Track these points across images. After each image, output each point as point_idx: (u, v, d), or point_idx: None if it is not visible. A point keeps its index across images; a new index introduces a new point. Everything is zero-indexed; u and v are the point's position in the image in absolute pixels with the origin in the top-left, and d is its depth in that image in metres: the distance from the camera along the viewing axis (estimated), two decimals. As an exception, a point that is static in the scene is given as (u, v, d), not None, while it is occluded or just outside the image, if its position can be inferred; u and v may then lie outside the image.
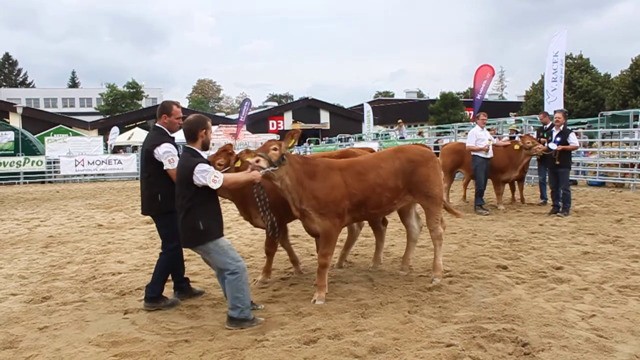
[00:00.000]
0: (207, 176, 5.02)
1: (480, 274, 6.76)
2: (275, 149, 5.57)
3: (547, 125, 13.00)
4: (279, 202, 5.99)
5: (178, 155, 5.74)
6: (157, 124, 6.01)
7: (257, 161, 5.39)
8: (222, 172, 5.31)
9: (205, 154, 5.42)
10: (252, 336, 4.88)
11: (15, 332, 5.25)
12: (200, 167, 5.04)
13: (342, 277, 6.86)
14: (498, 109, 46.40)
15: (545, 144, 11.70)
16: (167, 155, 5.64)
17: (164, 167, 5.66)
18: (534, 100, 47.00)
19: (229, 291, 5.22)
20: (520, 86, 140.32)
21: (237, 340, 4.81)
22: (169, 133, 5.92)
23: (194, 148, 5.30)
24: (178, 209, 5.24)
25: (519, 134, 17.89)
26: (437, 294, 6.00)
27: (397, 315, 5.32)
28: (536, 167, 14.46)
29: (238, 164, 6.05)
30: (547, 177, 13.07)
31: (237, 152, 6.26)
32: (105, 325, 5.38)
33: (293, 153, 6.20)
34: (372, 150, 7.66)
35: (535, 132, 14.48)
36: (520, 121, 22.57)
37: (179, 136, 5.55)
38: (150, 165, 5.75)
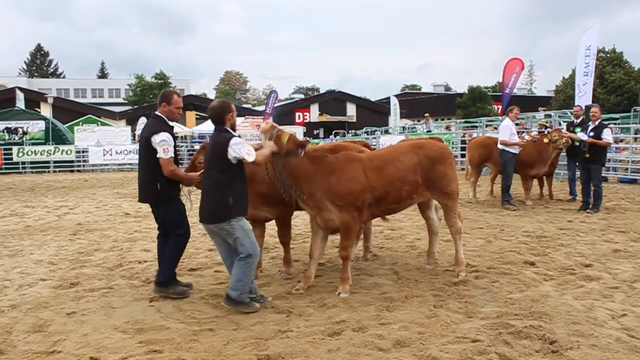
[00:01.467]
0: (242, 149, 5.17)
1: (507, 269, 6.66)
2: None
3: (578, 120, 12.76)
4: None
5: (175, 146, 5.82)
6: (156, 112, 6.03)
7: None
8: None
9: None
10: (276, 327, 4.89)
11: (45, 317, 5.35)
12: (235, 140, 5.22)
13: (367, 270, 6.83)
14: (527, 104, 45.56)
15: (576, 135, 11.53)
16: (163, 144, 5.67)
17: (157, 155, 5.69)
18: (563, 95, 46.19)
19: (234, 273, 5.32)
20: (550, 81, 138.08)
21: (261, 330, 4.82)
22: (168, 122, 5.94)
23: (227, 128, 5.42)
24: (207, 185, 5.32)
25: (548, 129, 17.61)
26: (463, 288, 5.93)
27: (422, 309, 5.27)
28: (565, 163, 14.20)
29: None
30: (576, 173, 12.87)
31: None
32: (131, 312, 5.43)
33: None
34: (364, 144, 7.53)
35: (564, 127, 14.22)
36: (550, 116, 22.19)
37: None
38: (149, 153, 5.76)
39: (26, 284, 6.57)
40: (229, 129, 5.42)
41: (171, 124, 5.96)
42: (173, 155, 5.75)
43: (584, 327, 4.72)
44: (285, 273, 6.66)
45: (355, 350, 4.33)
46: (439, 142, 6.76)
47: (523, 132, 16.60)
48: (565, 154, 13.17)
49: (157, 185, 5.78)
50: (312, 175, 5.67)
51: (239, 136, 5.49)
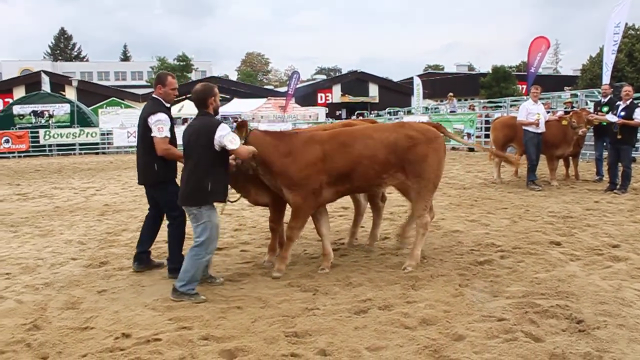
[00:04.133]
0: (226, 137, 5.12)
1: (533, 249, 6.63)
2: None
3: (605, 99, 12.53)
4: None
5: (172, 127, 5.88)
6: (153, 95, 6.11)
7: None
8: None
9: None
10: (303, 304, 4.96)
11: (77, 294, 5.49)
12: (222, 126, 5.20)
13: (393, 249, 6.85)
14: (552, 83, 44.91)
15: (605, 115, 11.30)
16: (158, 124, 5.75)
17: (152, 134, 5.76)
18: (590, 74, 45.27)
19: (184, 262, 5.31)
20: (577, 60, 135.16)
21: (288, 308, 4.89)
22: (164, 103, 6.01)
23: (209, 112, 5.40)
24: (187, 167, 5.30)
25: (574, 108, 17.32)
26: (489, 268, 5.93)
27: (447, 288, 5.29)
28: (592, 143, 13.98)
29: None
30: (603, 153, 12.68)
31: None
32: (159, 290, 5.54)
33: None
34: (373, 122, 7.43)
35: (592, 106, 13.98)
36: (576, 95, 21.81)
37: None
38: (147, 134, 5.84)
39: (58, 263, 6.73)
40: (211, 113, 5.41)
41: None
42: (168, 135, 5.81)
43: (611, 307, 4.70)
44: (269, 262, 6.42)
45: (382, 328, 4.38)
46: (430, 125, 6.47)
47: (548, 112, 16.36)
48: (592, 133, 12.96)
49: (154, 166, 5.88)
50: (271, 155, 5.67)
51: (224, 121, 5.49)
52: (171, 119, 6.03)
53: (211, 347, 4.13)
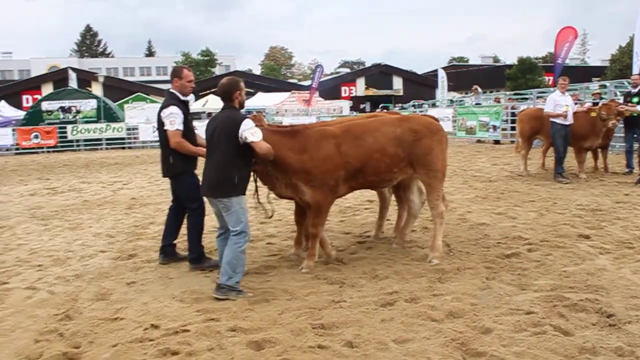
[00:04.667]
0: (248, 130, 5.13)
1: (561, 242, 6.55)
2: None
3: (636, 90, 12.28)
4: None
5: (185, 120, 5.91)
6: (170, 89, 6.18)
7: None
8: None
9: None
10: (330, 297, 4.97)
11: (106, 286, 5.59)
12: (247, 122, 5.21)
13: (419, 242, 6.84)
14: (580, 74, 44.17)
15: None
16: (170, 117, 5.83)
17: (164, 127, 5.86)
18: (619, 64, 44.49)
19: (226, 254, 5.23)
20: (605, 50, 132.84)
21: (315, 300, 4.91)
22: (180, 97, 6.06)
23: (236, 106, 5.41)
24: (213, 159, 5.30)
25: (603, 99, 17.01)
26: (516, 261, 5.88)
27: (474, 281, 5.26)
28: (622, 135, 13.72)
29: None
30: (633, 144, 12.43)
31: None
32: (187, 283, 5.61)
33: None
34: (394, 114, 7.36)
35: (622, 98, 13.72)
36: (605, 86, 21.41)
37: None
38: (162, 127, 5.96)
39: (87, 255, 6.85)
40: (236, 106, 5.42)
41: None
42: (180, 128, 5.86)
43: (643, 301, 4.62)
44: (295, 255, 6.44)
45: (409, 321, 4.38)
46: (431, 118, 6.57)
47: (576, 103, 16.09)
48: (622, 125, 12.72)
49: (170, 158, 5.98)
50: (287, 153, 5.57)
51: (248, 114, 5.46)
52: (187, 112, 6.08)
53: (239, 338, 4.17)
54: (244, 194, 5.33)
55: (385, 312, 4.60)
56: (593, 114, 11.64)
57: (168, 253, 6.40)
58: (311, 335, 4.17)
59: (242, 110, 5.69)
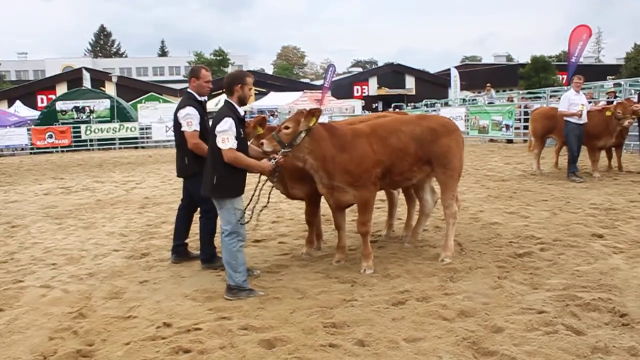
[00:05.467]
0: (222, 133, 4.95)
1: (574, 242, 6.51)
2: (287, 128, 5.30)
3: (651, 88, 12.17)
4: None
5: (202, 120, 5.89)
6: (187, 89, 6.19)
7: (262, 144, 5.27)
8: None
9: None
10: (341, 296, 4.98)
11: (119, 285, 5.64)
12: (223, 122, 4.97)
13: (430, 241, 6.83)
14: (594, 73, 43.67)
15: None
16: (187, 118, 5.84)
17: (182, 129, 5.88)
18: (635, 62, 44.06)
19: (223, 255, 5.21)
20: (620, 48, 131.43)
21: (326, 299, 4.93)
22: (197, 97, 6.07)
23: (231, 101, 5.23)
24: (208, 157, 5.26)
25: (618, 98, 16.86)
26: (528, 260, 5.85)
27: (486, 280, 5.25)
28: (636, 133, 13.60)
29: (259, 131, 5.77)
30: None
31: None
32: (199, 282, 5.64)
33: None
34: (403, 114, 7.34)
35: (636, 96, 13.59)
36: (620, 84, 21.21)
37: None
38: (178, 128, 5.97)
39: (101, 254, 6.91)
40: (234, 102, 5.21)
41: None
42: (197, 128, 5.86)
43: (657, 301, 4.59)
44: (307, 254, 6.44)
45: (420, 319, 4.38)
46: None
47: (590, 102, 15.97)
48: (637, 124, 12.59)
49: (185, 159, 6.02)
50: (331, 153, 5.46)
51: (243, 116, 5.26)
52: (204, 112, 6.09)
53: (250, 336, 4.19)
54: (235, 196, 5.17)
55: (396, 311, 4.60)
56: (608, 114, 11.53)
57: (180, 252, 6.44)
58: (322, 334, 4.18)
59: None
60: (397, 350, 3.89)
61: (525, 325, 4.18)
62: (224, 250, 5.21)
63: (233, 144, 4.98)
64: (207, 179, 5.19)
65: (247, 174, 5.31)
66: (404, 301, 4.79)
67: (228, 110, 5.14)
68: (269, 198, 5.65)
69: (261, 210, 5.78)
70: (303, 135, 5.30)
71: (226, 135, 4.95)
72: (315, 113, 5.36)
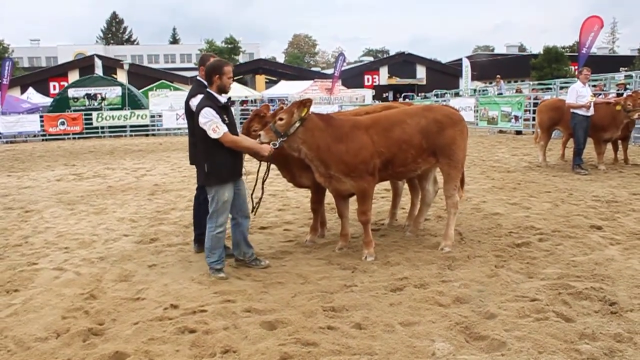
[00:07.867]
0: (208, 125, 5.17)
1: (572, 233, 6.63)
2: (281, 119, 5.48)
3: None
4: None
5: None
6: (197, 77, 6.27)
7: (259, 135, 5.45)
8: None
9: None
10: (342, 281, 5.17)
11: (129, 268, 5.86)
12: (204, 112, 5.19)
13: (431, 230, 6.98)
14: (607, 64, 43.47)
15: None
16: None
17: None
18: (648, 54, 43.56)
19: (206, 240, 5.54)
20: (636, 39, 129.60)
21: (327, 284, 5.11)
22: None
23: (210, 91, 5.39)
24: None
25: (628, 90, 16.81)
26: (526, 250, 5.99)
27: (483, 268, 5.40)
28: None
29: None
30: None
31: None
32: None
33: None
34: (409, 105, 7.43)
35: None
36: (631, 76, 21.12)
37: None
38: (189, 116, 6.03)
39: (111, 238, 7.14)
40: (213, 92, 5.36)
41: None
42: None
43: (647, 290, 4.72)
44: (311, 241, 6.63)
45: (416, 305, 4.55)
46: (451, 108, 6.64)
47: (600, 94, 15.95)
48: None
49: (196, 146, 6.05)
50: (326, 143, 5.61)
51: (224, 104, 5.41)
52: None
53: (253, 319, 4.39)
54: (223, 183, 5.38)
55: (394, 296, 4.77)
56: (618, 108, 11.52)
57: (202, 242, 6.55)
58: (322, 317, 4.37)
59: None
60: (392, 333, 4.07)
61: (517, 312, 4.34)
62: (207, 238, 5.53)
63: (224, 128, 5.21)
64: (201, 169, 5.43)
65: (236, 162, 5.50)
66: (402, 287, 4.96)
67: (206, 100, 5.33)
68: (262, 189, 6.04)
69: (258, 203, 6.14)
70: (297, 125, 5.48)
71: (213, 125, 5.18)
72: (306, 103, 5.56)
